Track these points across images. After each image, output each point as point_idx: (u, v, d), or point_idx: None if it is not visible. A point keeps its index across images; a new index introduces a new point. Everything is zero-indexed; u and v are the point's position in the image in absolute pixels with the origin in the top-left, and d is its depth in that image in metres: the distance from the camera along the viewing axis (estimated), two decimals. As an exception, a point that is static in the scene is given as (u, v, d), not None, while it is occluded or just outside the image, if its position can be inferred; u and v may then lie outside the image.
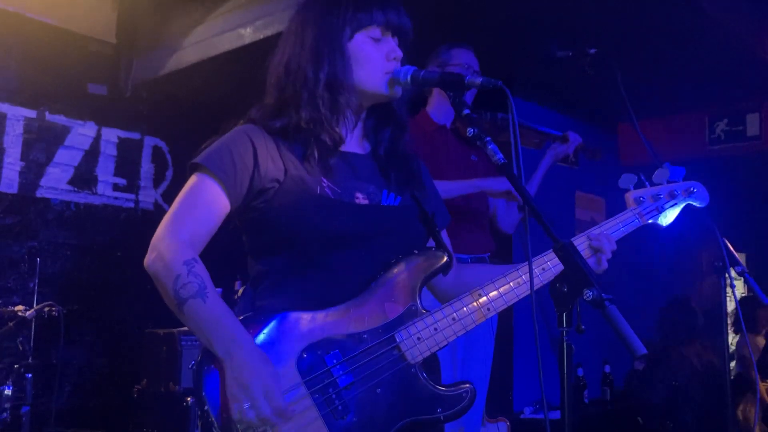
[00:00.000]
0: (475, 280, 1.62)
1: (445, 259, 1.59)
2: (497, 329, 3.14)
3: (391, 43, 1.62)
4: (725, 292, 2.49)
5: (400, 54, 1.62)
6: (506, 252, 4.07)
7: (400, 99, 1.68)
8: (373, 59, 1.59)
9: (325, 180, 1.54)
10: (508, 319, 4.33)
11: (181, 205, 1.50)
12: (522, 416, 4.20)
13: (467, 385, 1.54)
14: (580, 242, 1.69)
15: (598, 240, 1.68)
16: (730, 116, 5.00)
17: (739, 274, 2.39)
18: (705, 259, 6.41)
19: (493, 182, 2.87)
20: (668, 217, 1.84)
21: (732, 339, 5.21)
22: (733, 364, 4.93)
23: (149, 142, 4.73)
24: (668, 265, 6.08)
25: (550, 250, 1.62)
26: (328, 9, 1.60)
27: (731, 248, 2.41)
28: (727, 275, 2.47)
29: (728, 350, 3.06)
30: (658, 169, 1.85)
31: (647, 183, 1.84)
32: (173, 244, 1.44)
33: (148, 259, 1.45)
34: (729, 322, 4.18)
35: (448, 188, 2.79)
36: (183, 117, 4.70)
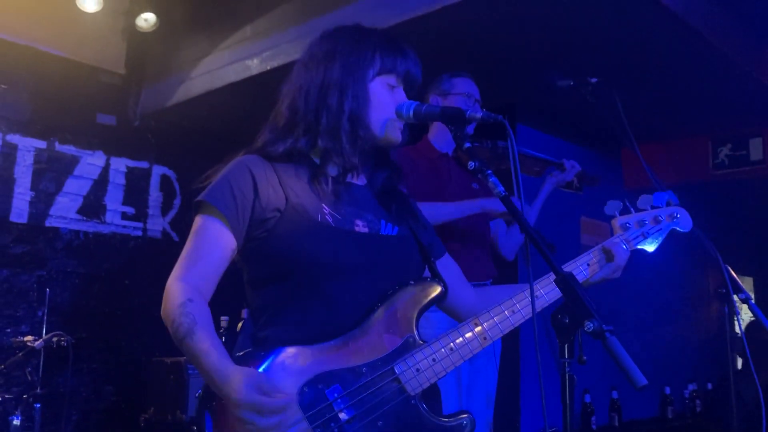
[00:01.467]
0: (497, 300, 1.63)
1: (440, 289, 1.61)
2: (504, 355, 3.14)
3: (401, 94, 1.67)
4: (730, 319, 2.49)
5: None
6: (512, 276, 4.07)
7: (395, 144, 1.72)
8: (386, 106, 1.64)
9: (326, 207, 1.57)
10: (514, 345, 4.32)
11: (188, 252, 1.54)
12: (529, 443, 4.18)
13: (466, 414, 1.55)
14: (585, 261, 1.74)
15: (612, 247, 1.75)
16: (734, 141, 5.01)
17: (743, 301, 2.39)
18: (711, 285, 6.39)
19: (495, 202, 2.89)
20: (654, 242, 1.86)
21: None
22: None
23: (157, 171, 4.79)
24: (674, 290, 6.07)
25: (545, 277, 1.65)
26: (356, 46, 1.65)
27: (735, 275, 2.42)
28: (731, 302, 2.48)
29: (732, 376, 3.05)
30: (642, 195, 1.87)
31: (632, 209, 1.87)
32: (175, 290, 1.48)
33: (161, 309, 1.50)
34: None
35: (451, 210, 2.81)
36: (190, 146, 4.76)
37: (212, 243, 1.53)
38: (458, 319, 1.77)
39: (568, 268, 1.69)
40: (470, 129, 2.84)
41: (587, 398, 4.73)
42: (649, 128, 4.93)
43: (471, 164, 1.53)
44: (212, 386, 1.40)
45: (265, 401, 1.33)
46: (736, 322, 2.53)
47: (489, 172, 1.51)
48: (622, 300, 4.94)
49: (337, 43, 1.66)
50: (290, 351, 1.48)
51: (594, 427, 4.75)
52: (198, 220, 1.56)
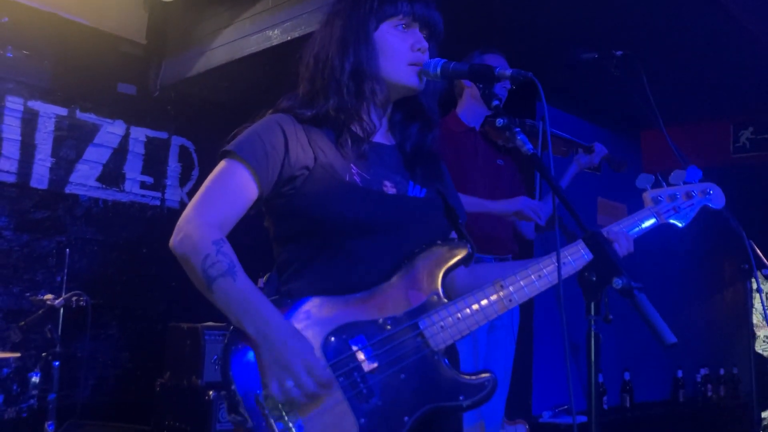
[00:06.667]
0: (487, 278, 1.61)
1: (468, 250, 1.60)
2: (518, 332, 3.15)
3: (417, 34, 1.64)
4: (752, 296, 2.47)
5: (425, 45, 1.63)
6: (527, 254, 4.07)
7: (429, 94, 1.70)
8: (397, 49, 1.61)
9: (354, 167, 1.56)
10: (528, 323, 4.32)
11: (210, 189, 1.51)
12: (540, 420, 4.18)
13: (488, 374, 1.53)
14: None
15: (616, 236, 1.69)
16: (756, 124, 4.95)
17: (766, 276, 2.38)
18: (727, 268, 6.35)
19: (502, 205, 2.88)
20: (685, 217, 1.84)
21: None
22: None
23: (176, 141, 4.81)
24: (688, 275, 6.04)
25: (572, 245, 1.63)
26: (355, 1, 1.64)
27: (758, 251, 2.40)
28: (753, 279, 2.46)
29: (753, 357, 3.04)
30: (675, 170, 1.85)
31: (664, 183, 1.85)
32: (201, 225, 1.45)
33: (174, 240, 1.46)
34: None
35: (477, 204, 2.80)
36: (210, 117, 4.78)
37: (237, 190, 1.51)
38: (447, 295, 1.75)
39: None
40: (498, 89, 2.82)
41: (599, 378, 4.70)
42: (670, 110, 4.88)
43: (499, 121, 1.52)
44: (250, 326, 1.40)
45: (320, 369, 1.38)
46: (758, 299, 2.51)
47: (517, 130, 1.51)
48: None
49: (340, 3, 1.66)
50: (316, 301, 1.49)
51: (606, 407, 4.75)
52: (224, 164, 1.54)
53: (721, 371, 6.07)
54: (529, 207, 2.85)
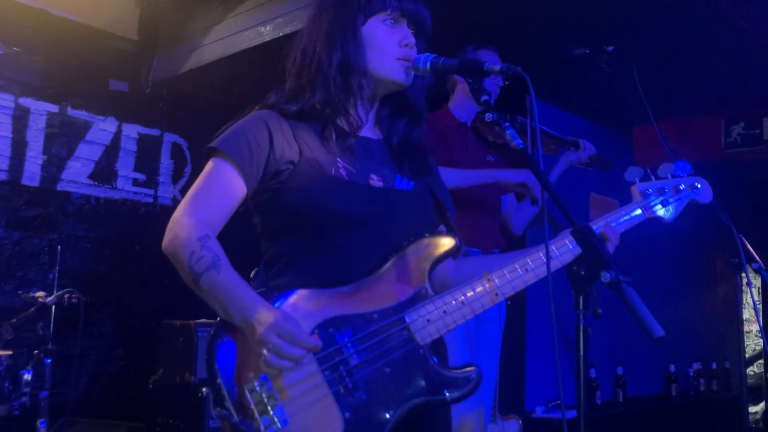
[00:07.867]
0: (475, 271, 1.62)
1: (455, 242, 1.61)
2: (510, 328, 3.16)
3: (404, 30, 1.64)
4: (741, 290, 2.48)
5: (412, 41, 1.64)
6: (520, 246, 4.07)
7: (417, 89, 1.70)
8: (385, 44, 1.62)
9: (340, 161, 1.57)
10: (520, 318, 4.33)
11: (197, 190, 1.53)
12: (534, 415, 4.20)
13: (473, 367, 1.54)
14: None
15: (602, 231, 1.69)
16: (747, 120, 4.97)
17: (756, 271, 2.39)
18: (719, 263, 6.38)
19: (509, 173, 2.91)
20: (672, 211, 1.85)
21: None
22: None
23: (168, 138, 4.79)
24: (681, 270, 6.06)
25: (558, 237, 1.64)
26: None
27: (748, 245, 2.42)
28: (744, 273, 2.47)
29: (744, 353, 3.05)
30: (664, 164, 1.86)
31: (653, 176, 1.85)
32: (188, 224, 1.47)
33: (165, 241, 1.48)
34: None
35: (465, 176, 2.82)
36: (202, 114, 4.76)
37: (224, 189, 1.53)
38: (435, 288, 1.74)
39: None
40: (489, 85, 2.83)
41: (592, 373, 4.74)
42: (661, 106, 4.89)
43: (488, 116, 1.52)
44: (236, 314, 1.41)
45: (297, 331, 1.37)
46: (748, 293, 2.52)
47: (506, 125, 1.51)
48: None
49: None
50: (303, 293, 1.49)
51: (599, 402, 4.77)
52: (211, 164, 1.55)
53: (714, 365, 6.11)
54: (534, 182, 2.86)
